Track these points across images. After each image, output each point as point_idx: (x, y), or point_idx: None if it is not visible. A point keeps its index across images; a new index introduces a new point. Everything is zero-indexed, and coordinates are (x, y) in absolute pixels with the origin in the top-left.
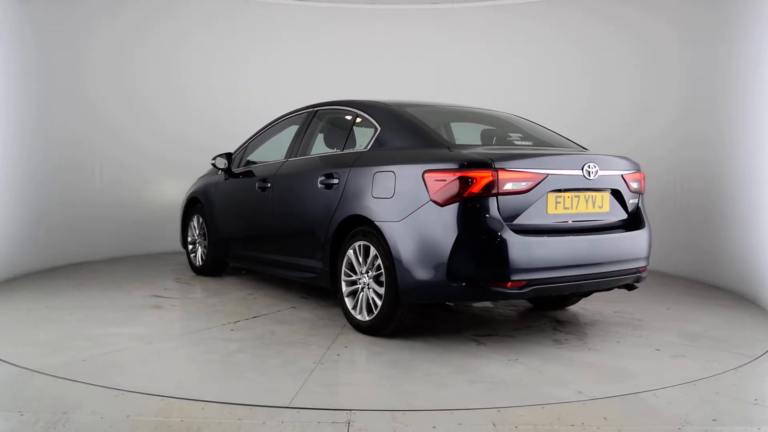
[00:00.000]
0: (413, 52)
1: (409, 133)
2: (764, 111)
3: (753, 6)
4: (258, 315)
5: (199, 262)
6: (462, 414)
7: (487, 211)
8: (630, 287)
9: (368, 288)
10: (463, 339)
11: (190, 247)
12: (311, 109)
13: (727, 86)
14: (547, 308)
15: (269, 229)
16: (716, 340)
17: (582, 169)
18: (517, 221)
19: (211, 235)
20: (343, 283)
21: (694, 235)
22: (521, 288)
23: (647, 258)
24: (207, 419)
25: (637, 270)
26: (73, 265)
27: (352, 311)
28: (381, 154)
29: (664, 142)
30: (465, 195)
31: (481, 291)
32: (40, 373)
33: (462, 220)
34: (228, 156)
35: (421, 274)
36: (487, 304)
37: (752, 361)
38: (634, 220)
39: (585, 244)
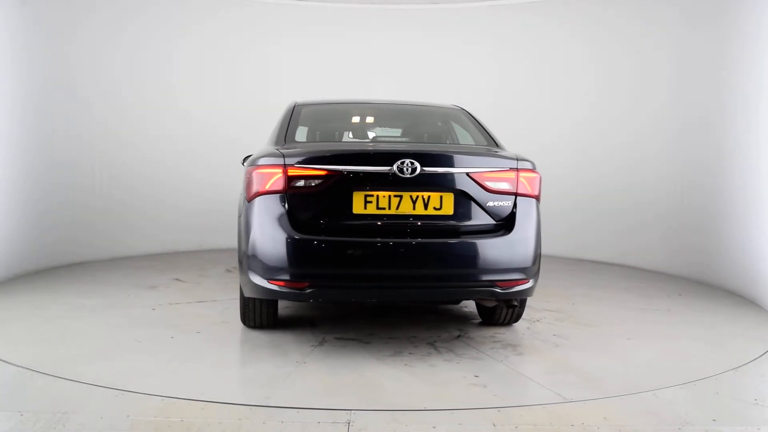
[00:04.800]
0: (414, 52)
1: (276, 131)
2: (764, 111)
3: (753, 5)
4: (207, 300)
5: None
6: (462, 414)
7: (275, 208)
8: (508, 303)
9: None
10: (312, 338)
11: None
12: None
13: (728, 87)
14: (496, 323)
15: None
16: (582, 379)
17: (393, 166)
18: (312, 220)
19: None
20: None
21: (694, 236)
22: (302, 289)
23: (518, 270)
24: (207, 419)
25: (492, 283)
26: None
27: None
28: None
29: (663, 143)
30: (260, 192)
31: (269, 289)
32: (40, 373)
33: (253, 216)
34: None
35: (241, 269)
36: (453, 308)
37: (752, 361)
38: (504, 226)
39: (392, 250)
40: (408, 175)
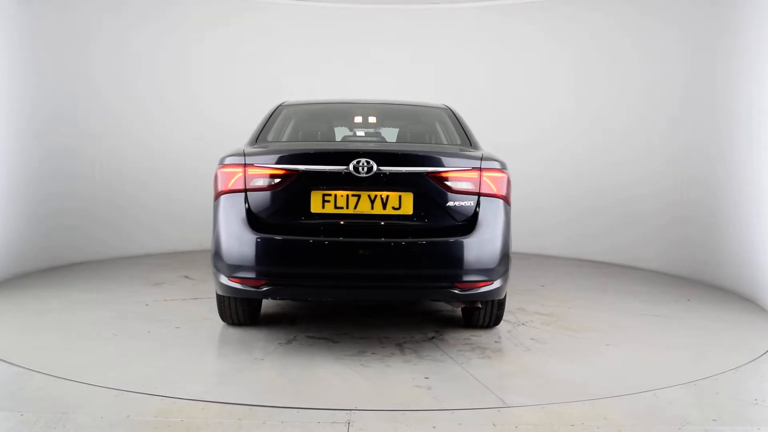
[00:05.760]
0: (414, 52)
1: (253, 131)
2: (764, 110)
3: (753, 5)
4: (203, 297)
5: None
6: (462, 414)
7: (236, 207)
8: (472, 305)
9: None
10: (283, 336)
11: None
12: None
13: (728, 86)
14: (475, 326)
15: None
16: (534, 385)
17: (349, 166)
18: (270, 219)
19: None
20: None
21: (695, 235)
22: (259, 287)
23: (480, 272)
24: (207, 419)
25: (451, 284)
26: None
27: None
28: None
29: (664, 143)
30: (224, 191)
31: (230, 287)
32: (40, 373)
33: (217, 215)
34: None
35: (212, 266)
36: (443, 309)
37: (752, 361)
38: (466, 227)
39: (348, 249)
40: (364, 175)
